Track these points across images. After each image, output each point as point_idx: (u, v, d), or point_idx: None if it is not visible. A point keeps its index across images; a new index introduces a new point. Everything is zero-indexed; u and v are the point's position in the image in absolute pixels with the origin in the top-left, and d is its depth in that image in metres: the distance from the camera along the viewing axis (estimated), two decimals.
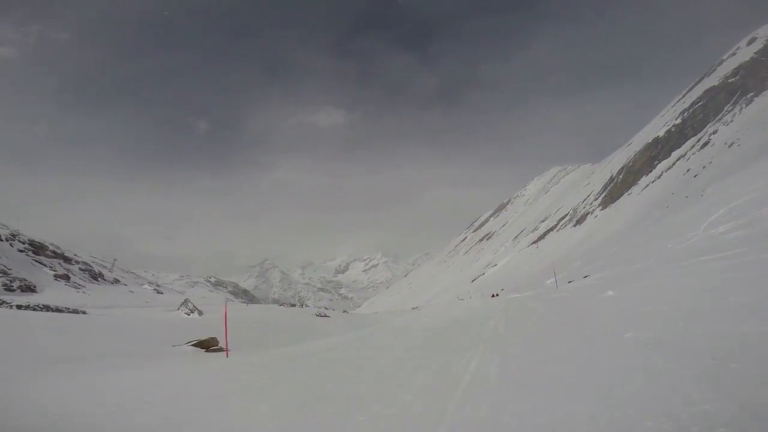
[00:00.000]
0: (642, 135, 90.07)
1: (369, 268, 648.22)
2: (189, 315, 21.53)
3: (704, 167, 46.50)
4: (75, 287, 25.94)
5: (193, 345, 10.22)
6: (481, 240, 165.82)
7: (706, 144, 56.95)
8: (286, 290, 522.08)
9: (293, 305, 33.03)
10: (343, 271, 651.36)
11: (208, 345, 10.39)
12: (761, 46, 67.73)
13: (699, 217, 18.48)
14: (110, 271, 65.11)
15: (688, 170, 52.75)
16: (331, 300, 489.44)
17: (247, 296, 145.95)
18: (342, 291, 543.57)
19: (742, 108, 58.15)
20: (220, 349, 10.43)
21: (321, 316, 24.01)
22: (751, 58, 66.80)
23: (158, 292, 35.96)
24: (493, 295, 43.26)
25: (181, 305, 22.38)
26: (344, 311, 34.05)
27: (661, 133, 74.88)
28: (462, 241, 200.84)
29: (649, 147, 75.84)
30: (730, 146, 46.34)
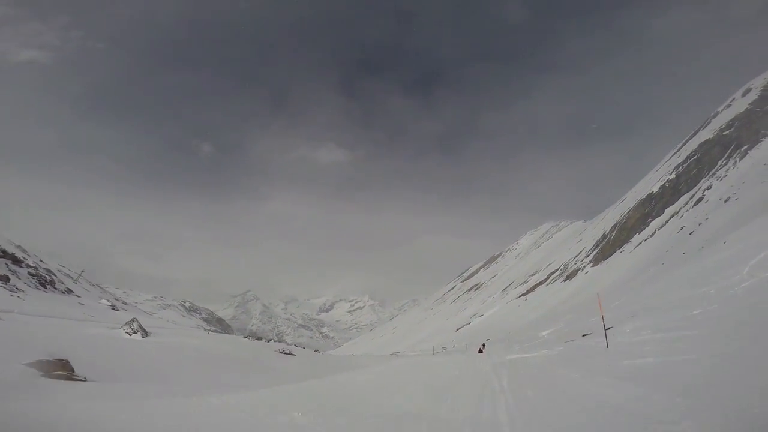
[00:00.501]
0: (636, 191, 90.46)
1: (354, 310, 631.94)
2: (130, 335, 19.08)
3: (700, 224, 45.40)
4: (11, 290, 23.12)
5: (27, 365, 7.64)
6: (469, 290, 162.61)
7: (700, 200, 56.03)
8: (266, 323, 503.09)
9: (260, 338, 30.16)
10: (327, 310, 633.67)
11: (49, 368, 7.77)
12: (756, 96, 67.87)
13: (734, 263, 16.94)
14: (75, 282, 61.18)
15: (682, 228, 51.69)
16: (311, 338, 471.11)
17: (221, 325, 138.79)
18: (324, 330, 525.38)
19: (736, 162, 57.51)
20: (70, 377, 7.98)
21: (284, 353, 21.48)
22: (746, 109, 66.76)
23: (114, 309, 32.91)
24: (480, 350, 33.41)
25: (125, 324, 19.99)
26: (315, 350, 31.12)
27: (655, 189, 74.56)
28: (450, 290, 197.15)
29: (642, 203, 75.53)
30: (726, 201, 45.48)
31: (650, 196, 74.80)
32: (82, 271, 66.57)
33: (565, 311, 47.14)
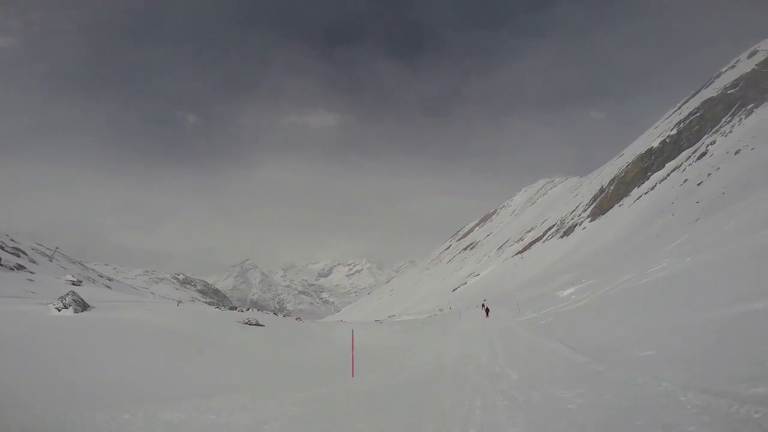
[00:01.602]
0: (635, 146, 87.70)
1: (353, 273, 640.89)
2: (59, 311, 16.29)
3: (709, 174, 43.32)
4: None
5: None
6: (464, 249, 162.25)
7: (703, 155, 54.26)
8: (266, 292, 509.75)
9: (234, 308, 27.58)
10: (326, 275, 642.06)
11: None
12: (763, 58, 65.98)
13: None
14: (50, 260, 58.13)
15: (686, 180, 49.67)
16: (312, 303, 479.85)
17: (218, 296, 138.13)
18: (323, 295, 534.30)
19: (741, 119, 55.64)
20: None
21: (250, 324, 18.77)
22: (752, 69, 65.03)
23: (75, 284, 30.19)
24: (486, 310, 29.24)
25: (58, 298, 17.16)
26: (298, 318, 28.71)
27: (655, 144, 72.29)
28: (446, 249, 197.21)
29: (642, 158, 73.08)
30: (736, 153, 43.32)
31: (650, 151, 72.24)
32: (56, 248, 63.56)
33: (565, 269, 45.26)
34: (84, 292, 27.05)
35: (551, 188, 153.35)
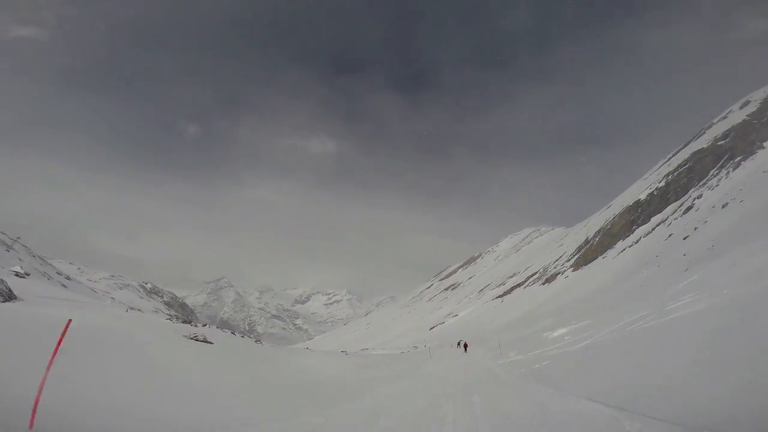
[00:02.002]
0: (622, 198, 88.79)
1: (331, 303, 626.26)
2: None
3: (696, 228, 42.86)
4: None
5: None
6: (446, 289, 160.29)
7: (689, 208, 53.93)
8: (238, 312, 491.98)
9: (187, 322, 25.14)
10: (303, 302, 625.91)
11: None
12: (755, 109, 66.12)
13: None
14: (7, 250, 54.51)
15: (671, 235, 49.29)
16: (284, 329, 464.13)
17: (184, 310, 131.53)
18: (298, 321, 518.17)
19: (729, 172, 55.45)
20: None
21: (196, 339, 16.63)
22: (743, 120, 64.95)
23: (19, 276, 27.68)
24: (465, 345, 32.83)
25: None
26: (257, 341, 26.34)
27: (642, 197, 72.70)
28: (427, 288, 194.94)
29: (629, 210, 73.40)
30: (723, 207, 43.18)
31: (637, 204, 72.67)
32: (18, 238, 60.35)
33: (545, 314, 43.93)
34: (28, 285, 24.60)
35: (537, 237, 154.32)
